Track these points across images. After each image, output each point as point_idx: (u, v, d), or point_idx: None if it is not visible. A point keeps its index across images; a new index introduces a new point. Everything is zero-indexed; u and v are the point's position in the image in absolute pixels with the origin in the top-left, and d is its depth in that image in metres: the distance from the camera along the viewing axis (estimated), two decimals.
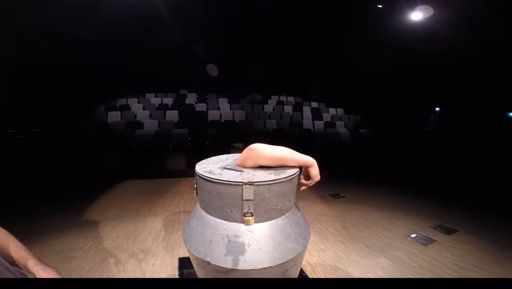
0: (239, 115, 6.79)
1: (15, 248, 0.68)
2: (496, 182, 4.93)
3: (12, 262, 0.66)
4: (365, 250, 2.33)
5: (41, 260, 0.71)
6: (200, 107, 7.08)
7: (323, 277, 1.92)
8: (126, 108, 6.59)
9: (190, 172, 1.49)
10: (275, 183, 1.23)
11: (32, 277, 0.66)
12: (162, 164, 4.91)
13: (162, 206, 3.31)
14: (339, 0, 6.87)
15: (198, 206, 1.42)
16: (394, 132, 7.18)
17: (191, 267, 1.45)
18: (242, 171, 1.33)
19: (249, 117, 6.82)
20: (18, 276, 0.61)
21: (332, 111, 7.88)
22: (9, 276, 0.58)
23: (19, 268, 0.67)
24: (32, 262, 0.68)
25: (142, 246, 2.32)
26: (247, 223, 1.20)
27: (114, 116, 6.02)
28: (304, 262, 1.99)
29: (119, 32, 6.31)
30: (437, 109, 9.67)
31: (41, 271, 0.66)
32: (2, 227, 0.72)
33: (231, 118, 6.65)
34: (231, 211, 1.23)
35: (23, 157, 4.42)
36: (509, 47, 5.83)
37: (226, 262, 1.15)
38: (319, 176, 1.25)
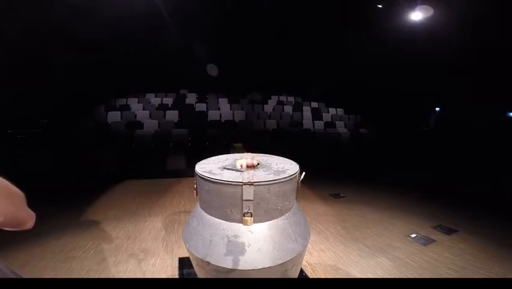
0: (239, 115, 6.79)
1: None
2: (495, 182, 4.93)
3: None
4: (365, 250, 2.33)
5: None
6: (200, 107, 7.08)
7: (323, 277, 1.92)
8: (126, 108, 6.59)
9: (190, 172, 1.49)
10: (275, 183, 1.23)
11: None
12: (162, 164, 4.91)
13: (162, 206, 3.31)
14: (339, 0, 6.87)
15: (198, 206, 1.42)
16: (394, 132, 7.18)
17: (191, 267, 1.45)
18: (242, 171, 1.33)
19: (249, 117, 6.82)
20: (12, 276, 0.60)
21: (332, 111, 7.88)
22: (2, 276, 0.57)
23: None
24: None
25: (142, 246, 2.32)
26: (245, 223, 1.20)
27: (114, 116, 6.02)
28: (304, 262, 2.00)
29: (119, 32, 6.31)
30: (437, 109, 9.67)
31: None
32: None
33: (231, 118, 6.65)
34: (231, 211, 1.23)
35: (23, 157, 4.43)
36: (509, 47, 5.83)
37: (226, 262, 1.16)
38: None
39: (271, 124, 6.47)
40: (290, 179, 1.29)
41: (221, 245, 1.20)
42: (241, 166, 1.35)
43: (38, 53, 5.33)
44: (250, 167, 1.38)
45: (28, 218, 0.60)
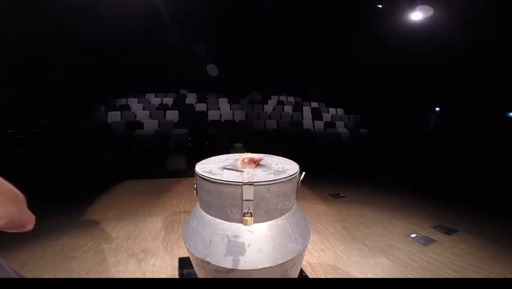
0: (239, 115, 6.79)
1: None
2: (495, 182, 4.93)
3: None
4: (365, 250, 2.33)
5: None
6: (200, 107, 7.08)
7: (323, 277, 1.92)
8: (126, 108, 6.59)
9: (190, 172, 1.49)
10: (275, 183, 1.23)
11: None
12: (162, 164, 4.91)
13: (162, 206, 3.31)
14: (339, 0, 6.87)
15: (198, 206, 1.42)
16: (394, 132, 7.18)
17: (191, 267, 1.45)
18: (242, 171, 1.33)
19: (249, 117, 6.82)
20: (15, 276, 0.60)
21: (332, 111, 7.88)
22: (4, 275, 0.57)
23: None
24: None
25: (142, 246, 2.32)
26: (245, 223, 1.20)
27: (114, 116, 6.01)
28: (304, 262, 1.99)
29: (119, 32, 6.31)
30: (437, 109, 9.67)
31: None
32: None
33: (231, 118, 6.65)
34: (231, 211, 1.23)
35: (23, 157, 4.42)
36: (509, 47, 5.83)
37: (226, 262, 1.15)
38: None
39: (271, 124, 6.47)
40: (290, 179, 1.29)
41: (221, 245, 1.20)
42: (244, 160, 1.34)
43: (38, 53, 5.33)
44: (253, 162, 1.37)
45: (29, 221, 0.60)
